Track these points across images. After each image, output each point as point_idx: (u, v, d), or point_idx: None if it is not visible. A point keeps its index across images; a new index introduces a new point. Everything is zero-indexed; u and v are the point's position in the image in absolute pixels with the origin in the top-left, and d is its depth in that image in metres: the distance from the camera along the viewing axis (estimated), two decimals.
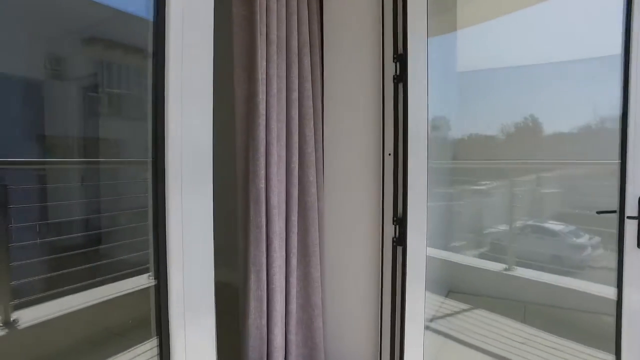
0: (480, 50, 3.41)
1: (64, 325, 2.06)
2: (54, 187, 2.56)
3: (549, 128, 3.26)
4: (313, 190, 1.99)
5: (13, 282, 1.96)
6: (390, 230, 1.89)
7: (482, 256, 3.55)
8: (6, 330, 1.87)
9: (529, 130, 3.36)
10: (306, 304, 2.01)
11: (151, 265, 1.37)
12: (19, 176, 2.25)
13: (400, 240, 1.86)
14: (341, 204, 2.07)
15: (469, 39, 3.42)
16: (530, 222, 3.46)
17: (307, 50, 1.96)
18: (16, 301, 1.96)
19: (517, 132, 3.39)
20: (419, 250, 1.88)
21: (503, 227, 3.46)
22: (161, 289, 1.32)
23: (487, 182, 3.60)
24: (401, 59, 1.84)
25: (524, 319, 2.85)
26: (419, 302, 1.93)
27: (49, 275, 2.17)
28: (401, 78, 1.84)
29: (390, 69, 1.87)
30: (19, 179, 2.24)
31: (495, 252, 3.48)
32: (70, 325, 2.06)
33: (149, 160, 1.34)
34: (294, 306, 1.94)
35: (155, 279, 1.34)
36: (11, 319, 1.91)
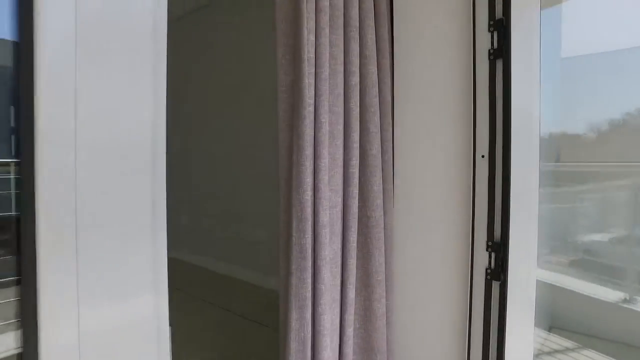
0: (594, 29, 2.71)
1: None
2: None
3: None
4: (378, 202, 1.55)
5: None
6: (482, 259, 1.39)
7: (592, 279, 2.80)
8: None
9: None
10: (366, 348, 1.57)
11: None
12: None
13: (496, 273, 1.35)
14: (416, 221, 1.60)
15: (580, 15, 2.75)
16: None
17: (370, 21, 1.53)
18: None
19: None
20: (526, 284, 1.36)
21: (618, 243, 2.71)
22: None
23: (596, 186, 2.87)
24: (500, 26, 1.33)
25: None
26: (524, 353, 1.41)
27: None
28: (500, 52, 1.33)
29: (485, 40, 1.37)
30: None
31: (607, 274, 2.73)
32: None
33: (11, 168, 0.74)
34: (350, 350, 1.52)
35: None
36: None
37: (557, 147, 2.74)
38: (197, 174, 4.06)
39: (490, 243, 1.36)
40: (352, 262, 1.51)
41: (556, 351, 2.37)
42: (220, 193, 3.79)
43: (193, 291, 3.15)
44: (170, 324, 0.89)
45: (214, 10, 3.75)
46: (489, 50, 1.35)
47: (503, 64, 1.31)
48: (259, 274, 3.39)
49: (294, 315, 1.36)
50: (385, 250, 1.60)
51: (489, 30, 1.35)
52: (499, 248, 1.34)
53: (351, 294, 1.51)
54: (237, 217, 3.63)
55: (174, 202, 3.47)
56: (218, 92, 3.76)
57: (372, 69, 1.54)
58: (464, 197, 1.43)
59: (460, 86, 1.44)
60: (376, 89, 1.55)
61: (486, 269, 1.38)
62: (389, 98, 1.62)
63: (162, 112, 0.80)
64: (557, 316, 2.60)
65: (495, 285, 1.35)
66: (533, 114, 1.32)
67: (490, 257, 1.37)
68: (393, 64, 1.63)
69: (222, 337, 2.36)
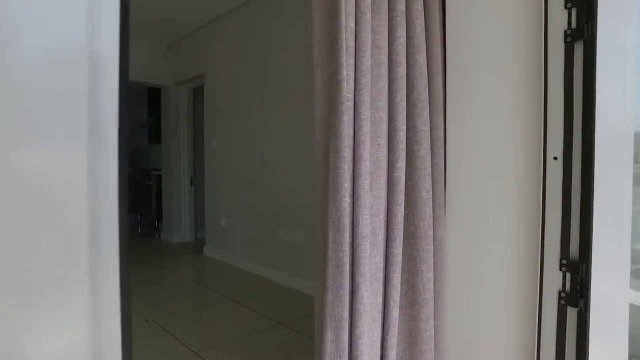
0: None
1: None
2: None
3: None
4: (427, 210, 1.36)
5: None
6: (554, 280, 1.17)
7: None
8: None
9: None
10: None
11: None
12: None
13: (573, 298, 1.13)
14: (472, 232, 1.39)
15: None
16: None
17: (418, 4, 1.34)
18: None
19: None
20: (615, 311, 1.13)
21: None
22: None
23: None
24: (582, 1, 1.11)
25: None
26: None
27: None
28: (580, 33, 1.11)
29: (560, 19, 1.15)
30: None
31: None
32: None
33: None
34: None
35: None
36: None
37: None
38: (238, 174, 4.00)
39: (564, 262, 1.14)
40: (396, 278, 1.33)
41: None
42: (261, 194, 3.70)
43: (229, 293, 3.07)
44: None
45: (260, 5, 3.66)
46: (565, 32, 1.13)
47: (584, 48, 1.09)
48: (298, 279, 3.27)
49: (329, 337, 1.20)
50: (434, 265, 1.41)
51: (565, 7, 1.13)
52: (576, 268, 1.12)
53: (394, 313, 1.33)
54: (278, 219, 3.53)
55: (215, 203, 3.42)
56: (259, 90, 3.68)
57: (421, 58, 1.35)
58: (532, 206, 1.21)
59: (527, 75, 1.22)
60: (425, 81, 1.36)
61: (559, 292, 1.16)
62: (441, 92, 1.42)
63: None
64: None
65: (572, 312, 1.13)
66: (625, 108, 1.09)
67: (564, 278, 1.15)
68: (445, 52, 1.44)
69: (257, 345, 2.25)
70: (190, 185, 5.16)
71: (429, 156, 1.39)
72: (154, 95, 6.62)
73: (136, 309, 2.76)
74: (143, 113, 6.87)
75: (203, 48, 4.41)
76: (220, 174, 4.21)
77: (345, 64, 1.14)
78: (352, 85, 1.17)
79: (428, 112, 1.38)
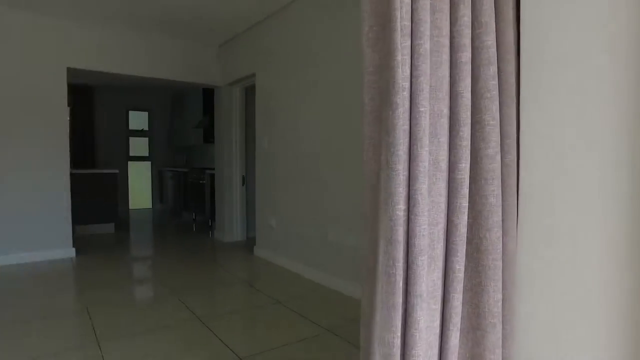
0: None
1: None
2: None
3: None
4: (495, 219, 1.16)
5: None
6: None
7: None
8: None
9: None
10: None
11: None
12: None
13: None
14: (551, 247, 1.17)
15: None
16: None
17: None
18: None
19: None
20: None
21: None
22: None
23: None
24: None
25: None
26: None
27: None
28: None
29: None
30: None
31: None
32: None
33: None
34: None
35: None
36: None
37: None
38: (288, 175, 3.92)
39: None
40: (457, 298, 1.14)
41: None
42: (311, 194, 3.59)
43: (277, 295, 2.99)
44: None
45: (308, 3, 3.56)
46: None
47: None
48: (348, 283, 3.12)
49: None
50: (503, 284, 1.20)
51: None
52: None
53: (454, 339, 1.14)
54: (328, 220, 3.40)
55: (265, 203, 3.36)
56: (310, 88, 3.57)
57: (489, 40, 1.15)
58: (633, 223, 0.98)
59: (631, 56, 0.99)
60: (495, 67, 1.16)
61: None
62: (513, 79, 1.21)
63: None
64: None
65: None
66: None
67: None
68: (519, 33, 1.22)
69: (303, 353, 2.13)
70: (242, 185, 5.17)
71: (498, 156, 1.19)
72: (208, 96, 6.77)
73: (187, 308, 2.74)
74: (198, 114, 7.04)
75: (253, 47, 4.38)
76: (271, 174, 4.16)
77: (399, 48, 0.97)
78: (408, 72, 1.00)
79: (497, 104, 1.18)
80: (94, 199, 5.57)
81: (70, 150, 4.17)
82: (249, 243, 4.97)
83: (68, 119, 4.39)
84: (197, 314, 2.67)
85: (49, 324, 2.48)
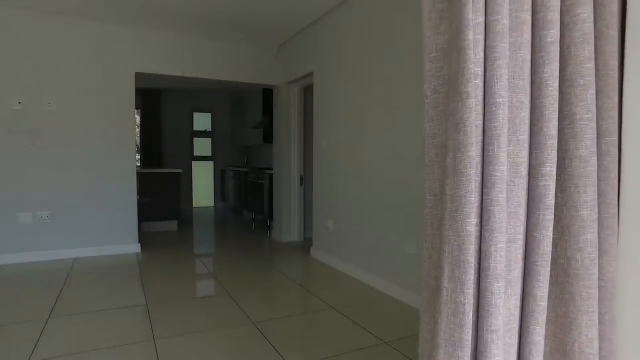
0: None
1: None
2: None
3: None
4: (590, 236, 0.93)
5: None
6: None
7: None
8: None
9: None
10: None
11: None
12: None
13: None
14: None
15: None
16: None
17: None
18: None
19: None
20: None
21: None
22: None
23: None
24: None
25: None
26: None
27: None
28: None
29: None
30: None
31: None
32: None
33: None
34: None
35: None
36: None
37: None
38: (346, 176, 3.79)
39: None
40: (538, 332, 0.93)
41: None
42: (370, 197, 3.43)
43: (332, 301, 2.87)
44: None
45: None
46: None
47: None
48: (407, 291, 2.93)
49: None
50: (599, 317, 0.97)
51: None
52: None
53: None
54: (388, 224, 3.23)
55: (322, 204, 3.23)
56: (369, 86, 3.41)
57: (584, 13, 0.93)
58: None
59: None
60: (591, 47, 0.94)
61: None
62: (615, 61, 0.98)
63: None
64: None
65: None
66: None
67: None
68: (625, 2, 0.98)
69: None
70: (300, 185, 5.12)
71: (594, 157, 0.96)
72: (267, 97, 6.82)
73: (241, 310, 2.71)
74: (258, 114, 7.12)
75: (311, 46, 4.30)
76: (329, 175, 4.05)
77: (471, 25, 0.79)
78: (482, 54, 0.82)
79: (593, 92, 0.96)
80: (159, 197, 5.80)
81: (139, 151, 4.35)
82: (306, 244, 4.90)
83: (137, 120, 4.59)
84: (252, 318, 2.62)
85: (111, 316, 2.56)
